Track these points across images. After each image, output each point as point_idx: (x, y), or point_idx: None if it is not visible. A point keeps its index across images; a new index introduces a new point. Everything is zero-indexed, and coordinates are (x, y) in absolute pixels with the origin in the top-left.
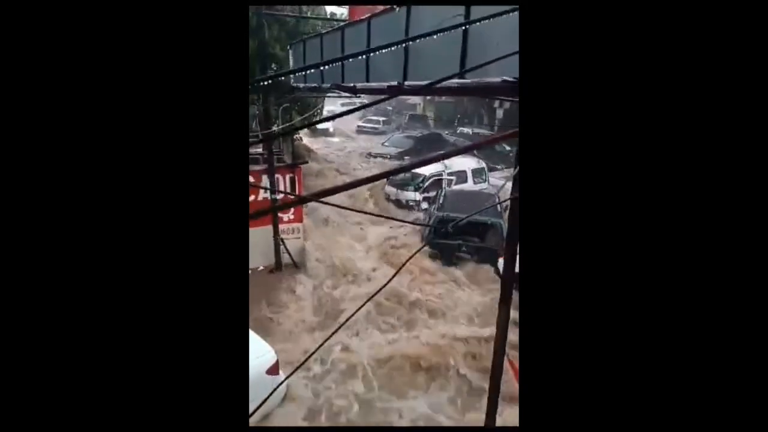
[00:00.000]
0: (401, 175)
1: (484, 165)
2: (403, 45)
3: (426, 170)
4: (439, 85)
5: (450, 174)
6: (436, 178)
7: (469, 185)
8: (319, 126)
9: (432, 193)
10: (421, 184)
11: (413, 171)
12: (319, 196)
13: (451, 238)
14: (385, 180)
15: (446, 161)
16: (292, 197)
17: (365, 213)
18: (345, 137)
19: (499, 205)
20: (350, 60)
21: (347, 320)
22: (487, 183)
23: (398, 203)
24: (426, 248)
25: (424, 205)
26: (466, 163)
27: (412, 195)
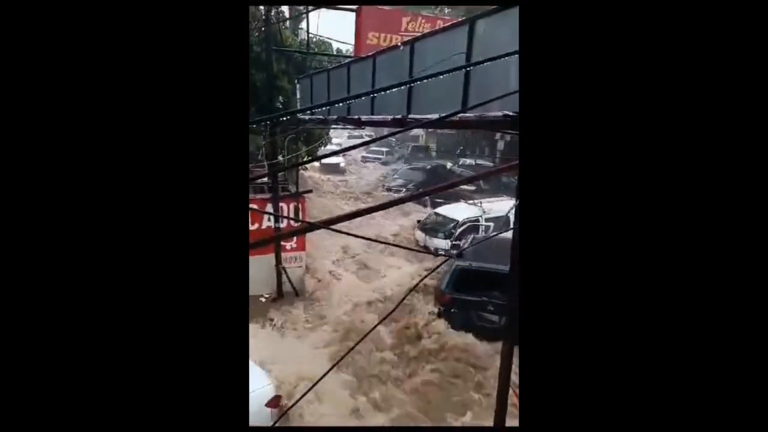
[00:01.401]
0: (432, 219)
1: None
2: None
3: (459, 215)
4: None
5: (488, 219)
6: (471, 223)
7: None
8: (329, 161)
9: (463, 241)
10: (452, 231)
11: (444, 215)
12: (323, 224)
13: (473, 293)
14: (415, 223)
15: (485, 205)
16: (296, 224)
17: (369, 240)
18: (354, 172)
19: None
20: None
21: (350, 350)
22: None
23: (426, 251)
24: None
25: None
26: (508, 207)
27: (441, 243)
